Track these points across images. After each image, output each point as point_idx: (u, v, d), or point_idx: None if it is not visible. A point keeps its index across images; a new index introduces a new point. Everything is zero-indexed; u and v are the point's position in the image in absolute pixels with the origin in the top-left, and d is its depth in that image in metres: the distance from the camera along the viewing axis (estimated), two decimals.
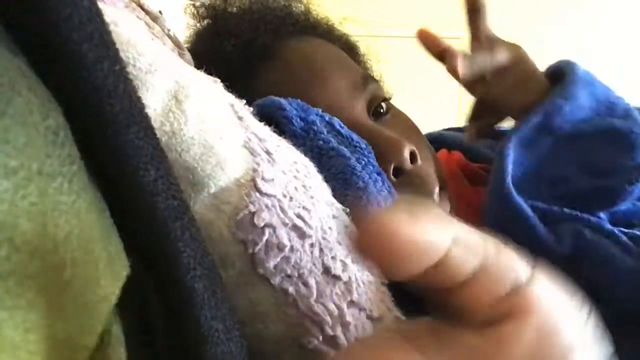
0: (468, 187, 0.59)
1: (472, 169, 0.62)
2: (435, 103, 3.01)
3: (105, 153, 0.17)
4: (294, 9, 0.60)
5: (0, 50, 0.14)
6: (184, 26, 0.61)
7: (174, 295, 0.19)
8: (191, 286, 0.18)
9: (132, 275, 0.16)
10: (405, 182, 0.47)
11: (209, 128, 0.30)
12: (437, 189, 0.48)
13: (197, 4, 0.60)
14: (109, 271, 0.15)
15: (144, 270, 0.18)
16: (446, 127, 0.76)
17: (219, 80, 0.37)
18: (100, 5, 0.18)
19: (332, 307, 0.30)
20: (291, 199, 0.32)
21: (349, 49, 0.60)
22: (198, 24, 0.60)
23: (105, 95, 0.16)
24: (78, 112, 0.16)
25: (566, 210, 0.46)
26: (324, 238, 0.32)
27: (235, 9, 0.58)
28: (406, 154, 0.46)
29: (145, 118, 0.18)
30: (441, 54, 0.52)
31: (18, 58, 0.15)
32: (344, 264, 0.32)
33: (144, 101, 0.19)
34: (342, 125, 0.43)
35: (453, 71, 0.50)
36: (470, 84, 0.56)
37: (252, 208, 0.30)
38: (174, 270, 0.18)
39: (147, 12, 0.37)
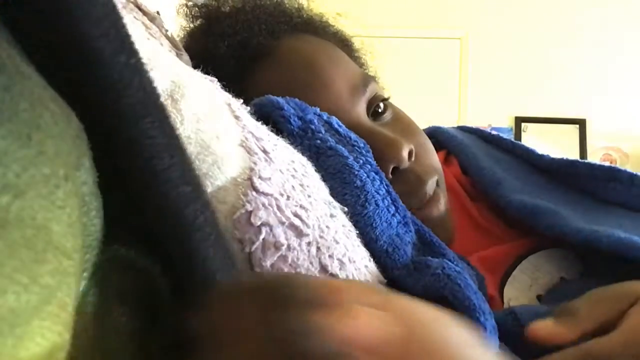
0: (466, 199, 0.60)
1: (464, 183, 0.63)
2: (436, 103, 3.02)
3: (122, 144, 0.18)
4: (287, 6, 0.60)
5: (23, 67, 0.15)
6: (178, 26, 0.62)
7: (188, 279, 0.19)
8: (204, 270, 0.19)
9: (136, 266, 0.17)
10: (402, 179, 0.48)
11: (205, 127, 0.31)
12: (431, 181, 0.49)
13: (190, 4, 0.60)
14: None
15: (150, 260, 0.19)
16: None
17: (216, 80, 0.37)
18: None
19: None
20: (288, 197, 0.33)
21: (344, 45, 0.61)
22: (191, 24, 0.61)
23: (122, 89, 0.17)
24: (94, 105, 0.17)
25: None
26: (321, 237, 0.33)
27: (228, 8, 0.59)
28: (405, 154, 0.47)
29: (161, 108, 0.19)
30: None
31: (33, 69, 0.16)
32: (341, 263, 0.33)
33: None
34: (340, 124, 0.44)
35: None
36: None
37: (248, 207, 0.31)
38: (186, 254, 0.19)
39: (144, 13, 0.37)
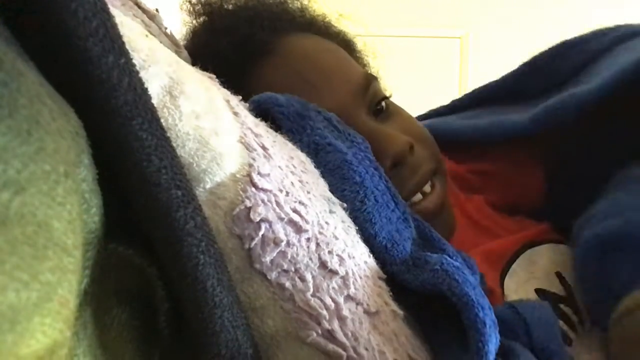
0: (460, 195, 0.60)
1: (459, 173, 0.63)
2: (435, 103, 3.02)
3: (111, 145, 0.18)
4: (290, 5, 0.61)
5: (20, 64, 0.15)
6: (180, 23, 0.62)
7: (179, 283, 0.19)
8: (194, 275, 0.19)
9: (136, 264, 0.17)
10: (400, 173, 0.48)
11: (204, 124, 0.31)
12: (424, 168, 0.50)
13: (193, 0, 0.61)
14: None
15: (147, 260, 0.19)
16: None
17: (215, 77, 0.37)
18: None
19: (328, 301, 0.31)
20: (287, 193, 0.33)
21: (347, 46, 0.61)
22: (194, 21, 0.61)
23: (110, 89, 0.17)
24: (84, 105, 0.17)
25: None
26: (320, 232, 0.33)
27: (231, 5, 0.59)
28: (404, 150, 0.48)
29: (151, 110, 0.19)
30: None
31: (30, 66, 0.16)
32: (341, 259, 0.33)
33: None
34: (339, 120, 0.44)
35: None
36: None
37: (248, 203, 0.31)
38: (177, 259, 0.19)
39: (144, 11, 0.37)
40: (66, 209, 0.15)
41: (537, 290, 0.48)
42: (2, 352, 0.13)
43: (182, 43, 0.50)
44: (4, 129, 0.14)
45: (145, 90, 0.19)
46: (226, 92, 0.37)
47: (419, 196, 0.50)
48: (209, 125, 0.31)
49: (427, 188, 0.50)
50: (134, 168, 0.18)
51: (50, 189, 0.15)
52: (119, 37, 0.18)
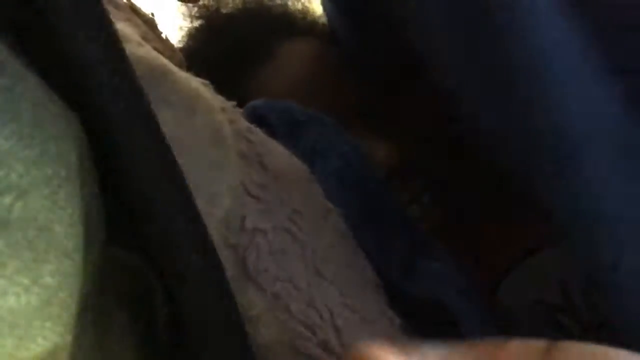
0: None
1: None
2: None
3: (109, 149, 0.18)
4: (290, 8, 0.61)
5: (22, 68, 0.16)
6: (176, 27, 0.62)
7: (178, 288, 0.20)
8: (194, 280, 0.20)
9: (136, 268, 0.18)
10: (396, 183, 0.48)
11: (200, 132, 0.31)
12: (426, 185, 0.50)
13: (190, 4, 0.61)
14: None
15: (148, 264, 0.20)
16: None
17: (209, 83, 0.38)
18: None
19: (324, 310, 0.31)
20: (282, 201, 0.33)
21: None
22: (190, 24, 0.61)
23: (110, 94, 0.18)
24: (85, 109, 0.17)
25: None
26: (316, 240, 0.33)
27: (229, 9, 0.59)
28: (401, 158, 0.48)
29: (150, 114, 0.19)
30: None
31: (31, 70, 0.16)
32: (336, 266, 0.33)
33: None
34: (336, 126, 0.44)
35: None
36: None
37: (242, 212, 0.31)
38: (177, 264, 0.19)
39: (138, 15, 0.38)
40: (67, 213, 0.16)
41: (534, 302, 0.49)
42: (2, 356, 0.14)
43: (178, 47, 0.51)
44: (7, 133, 0.14)
45: (145, 95, 0.19)
46: (221, 99, 0.37)
47: (417, 209, 0.50)
48: (205, 134, 0.32)
49: (425, 198, 0.51)
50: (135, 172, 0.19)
51: (52, 193, 0.15)
52: (120, 42, 0.18)
